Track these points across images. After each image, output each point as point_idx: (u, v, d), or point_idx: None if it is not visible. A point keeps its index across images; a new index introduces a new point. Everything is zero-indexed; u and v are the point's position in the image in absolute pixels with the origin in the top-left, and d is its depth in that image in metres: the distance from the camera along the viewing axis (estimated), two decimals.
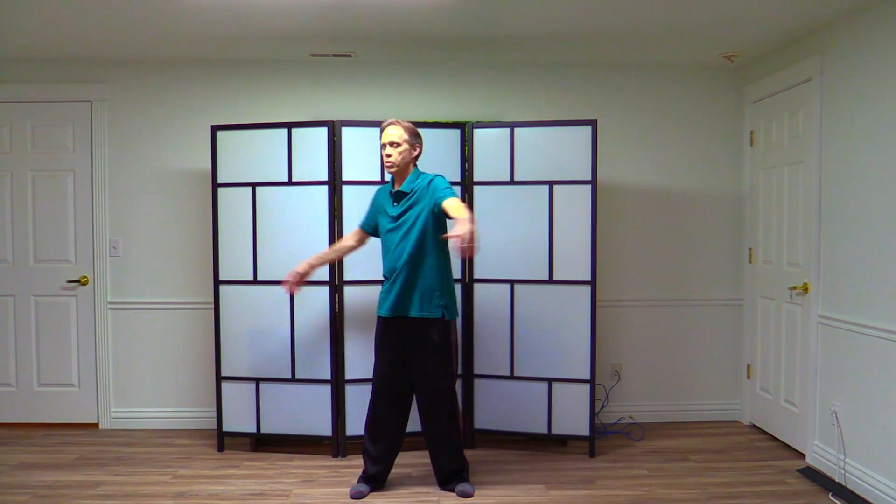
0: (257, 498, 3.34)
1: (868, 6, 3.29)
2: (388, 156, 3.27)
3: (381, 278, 3.41)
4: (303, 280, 3.47)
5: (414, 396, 3.41)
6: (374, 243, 3.55)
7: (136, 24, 3.66)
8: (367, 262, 3.78)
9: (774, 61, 4.15)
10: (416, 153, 3.33)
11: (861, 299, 3.36)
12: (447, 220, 3.28)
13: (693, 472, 3.67)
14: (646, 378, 4.58)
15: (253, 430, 3.97)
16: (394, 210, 3.29)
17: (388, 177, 3.64)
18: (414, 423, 3.59)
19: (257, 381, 3.95)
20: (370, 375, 3.61)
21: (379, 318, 3.37)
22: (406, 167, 3.31)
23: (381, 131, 3.33)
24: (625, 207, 4.53)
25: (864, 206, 3.33)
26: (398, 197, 3.30)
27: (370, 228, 3.49)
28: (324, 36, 3.88)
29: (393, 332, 3.31)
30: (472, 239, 2.79)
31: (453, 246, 2.82)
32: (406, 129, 3.30)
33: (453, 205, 3.09)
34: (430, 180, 3.27)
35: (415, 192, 3.27)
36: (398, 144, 3.26)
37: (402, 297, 3.26)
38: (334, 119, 3.94)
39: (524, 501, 3.30)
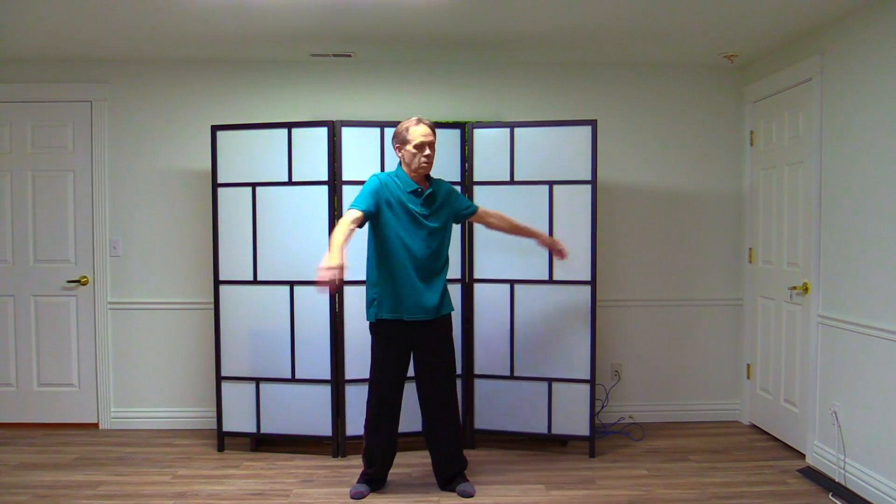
0: (257, 498, 3.34)
1: (868, 6, 3.29)
2: (429, 156, 3.21)
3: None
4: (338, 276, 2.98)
5: (418, 396, 3.40)
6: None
7: (136, 24, 3.66)
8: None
9: (774, 61, 4.15)
10: None
11: (861, 299, 3.36)
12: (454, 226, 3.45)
13: (693, 472, 3.67)
14: (646, 378, 4.58)
15: (253, 430, 3.97)
16: (423, 209, 3.24)
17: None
18: (414, 424, 3.59)
19: (257, 381, 3.95)
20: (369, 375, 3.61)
21: (389, 320, 3.25)
22: None
23: (412, 128, 3.20)
24: (625, 207, 4.53)
25: (864, 206, 3.33)
26: (427, 199, 3.25)
27: (370, 216, 3.19)
28: (324, 36, 3.88)
29: (404, 332, 3.27)
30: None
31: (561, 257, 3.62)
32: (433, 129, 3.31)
33: (499, 213, 3.55)
34: (448, 188, 3.40)
35: (441, 196, 3.32)
36: (434, 145, 3.26)
37: (432, 297, 3.25)
38: (334, 119, 3.94)
39: (524, 501, 3.30)
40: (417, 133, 3.20)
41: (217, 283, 3.96)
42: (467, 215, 3.46)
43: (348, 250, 3.79)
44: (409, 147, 3.21)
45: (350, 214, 3.13)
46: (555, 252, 3.64)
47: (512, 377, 3.97)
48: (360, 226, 3.16)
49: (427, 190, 3.27)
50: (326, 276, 2.87)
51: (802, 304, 3.85)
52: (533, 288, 3.92)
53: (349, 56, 4.29)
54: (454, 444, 3.39)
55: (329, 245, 3.04)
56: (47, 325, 4.43)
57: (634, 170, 4.53)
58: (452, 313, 3.44)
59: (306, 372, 3.89)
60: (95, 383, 4.44)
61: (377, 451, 3.37)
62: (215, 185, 3.94)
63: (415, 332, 3.28)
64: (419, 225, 3.23)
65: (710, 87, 4.54)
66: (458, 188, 3.92)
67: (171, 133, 4.42)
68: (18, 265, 4.43)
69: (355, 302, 3.83)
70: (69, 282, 4.42)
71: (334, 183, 3.84)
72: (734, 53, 4.20)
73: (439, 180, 3.39)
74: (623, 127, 4.50)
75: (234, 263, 3.94)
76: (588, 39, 3.95)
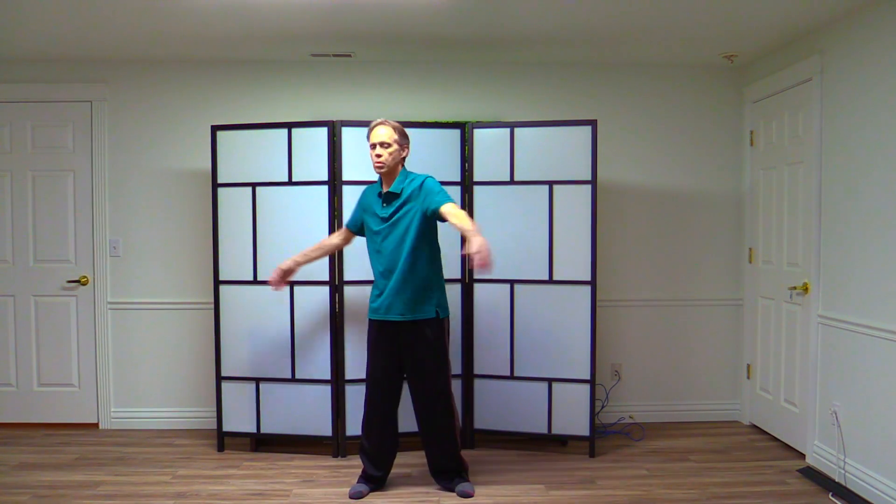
0: (257, 498, 3.34)
1: (868, 6, 3.29)
2: (379, 156, 3.24)
3: None
4: (287, 278, 3.53)
5: (410, 397, 3.41)
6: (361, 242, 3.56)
7: (136, 24, 3.66)
8: (367, 261, 3.77)
9: (774, 61, 4.15)
10: (404, 154, 3.31)
11: (861, 299, 3.35)
12: (438, 223, 3.29)
13: (693, 472, 3.67)
14: (646, 378, 4.58)
15: (253, 430, 3.97)
16: (383, 211, 3.27)
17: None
18: (414, 424, 3.59)
19: (257, 381, 3.95)
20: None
21: (372, 320, 3.36)
22: (395, 168, 3.29)
23: (370, 131, 3.29)
24: (625, 207, 4.53)
25: (865, 206, 3.33)
26: (388, 198, 3.27)
27: (356, 228, 3.48)
28: (324, 36, 3.88)
29: (387, 333, 3.30)
30: (488, 253, 2.85)
31: (475, 262, 2.83)
32: (395, 129, 3.27)
33: (456, 212, 3.09)
34: (422, 181, 3.25)
35: (405, 194, 3.24)
36: (388, 145, 3.23)
37: (397, 298, 3.25)
38: (334, 119, 3.94)
39: (524, 501, 3.30)
40: (372, 135, 3.28)
41: (217, 283, 3.96)
42: (432, 213, 3.18)
43: (349, 250, 3.82)
44: (371, 149, 3.30)
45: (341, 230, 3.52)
46: (474, 258, 2.88)
47: (512, 377, 3.97)
48: (354, 235, 3.55)
49: (388, 189, 3.28)
50: (273, 277, 3.44)
51: (802, 304, 3.85)
52: (533, 288, 3.92)
53: (349, 56, 4.29)
54: (446, 447, 3.38)
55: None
56: (47, 325, 4.43)
57: (634, 170, 4.53)
58: (440, 317, 3.32)
59: (306, 372, 3.89)
60: (95, 383, 4.44)
61: (376, 450, 3.38)
62: (215, 185, 3.94)
63: (398, 332, 3.29)
64: (386, 226, 3.26)
65: (710, 87, 4.54)
66: (457, 189, 3.93)
67: (171, 133, 4.42)
68: (18, 265, 4.43)
69: (355, 302, 3.83)
70: (69, 282, 4.42)
71: (334, 183, 3.84)
72: (734, 53, 4.20)
73: (414, 177, 3.30)
74: (623, 127, 4.50)
75: (234, 263, 3.94)
76: (588, 39, 3.95)
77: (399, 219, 3.24)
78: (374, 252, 3.34)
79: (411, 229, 3.23)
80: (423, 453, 3.55)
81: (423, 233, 3.24)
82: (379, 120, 3.30)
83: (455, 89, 4.47)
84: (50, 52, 4.19)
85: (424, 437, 3.40)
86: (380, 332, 3.33)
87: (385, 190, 3.30)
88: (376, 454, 3.39)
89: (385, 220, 3.27)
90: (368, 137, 3.30)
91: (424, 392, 3.33)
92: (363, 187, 3.79)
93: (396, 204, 3.25)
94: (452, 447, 3.39)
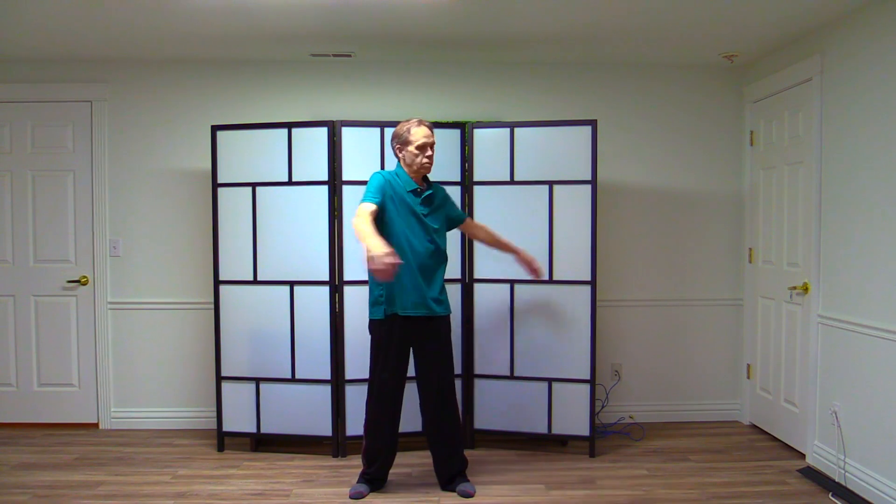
0: (257, 498, 3.34)
1: (868, 6, 3.29)
2: (430, 157, 3.28)
3: None
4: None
5: (419, 395, 3.40)
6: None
7: (136, 24, 3.66)
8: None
9: (774, 61, 4.15)
10: None
11: (861, 299, 3.36)
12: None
13: (693, 472, 3.67)
14: (646, 378, 4.58)
15: (253, 430, 3.97)
16: (422, 209, 3.27)
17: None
18: (414, 424, 3.59)
19: (257, 381, 3.95)
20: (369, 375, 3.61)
21: (391, 316, 3.25)
22: None
23: (418, 128, 3.24)
24: (625, 207, 4.53)
25: (864, 207, 3.33)
26: (427, 199, 3.30)
27: (380, 210, 3.19)
28: (324, 36, 3.88)
29: (405, 331, 3.27)
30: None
31: (532, 272, 3.59)
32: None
33: (485, 226, 3.66)
34: (445, 192, 3.47)
35: (437, 198, 3.38)
36: (434, 146, 3.32)
37: (426, 295, 3.26)
38: (334, 119, 3.94)
39: (524, 501, 3.30)
40: (419, 134, 3.25)
41: (217, 283, 3.96)
42: (457, 223, 3.54)
43: (349, 251, 3.82)
44: (411, 148, 3.25)
45: (366, 207, 3.13)
46: (531, 270, 3.61)
47: (512, 377, 3.97)
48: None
49: (426, 191, 3.32)
50: (389, 259, 2.81)
51: (802, 304, 3.85)
52: (533, 288, 3.92)
53: (349, 56, 4.29)
54: (455, 442, 3.40)
55: (361, 237, 2.95)
56: (47, 325, 4.43)
57: (634, 170, 4.53)
58: (451, 314, 3.45)
59: (306, 372, 3.89)
60: (95, 383, 4.44)
61: (379, 451, 3.37)
62: (215, 185, 3.94)
63: (416, 329, 3.28)
64: (421, 223, 3.27)
65: (710, 87, 4.54)
66: (457, 189, 3.94)
67: (171, 133, 4.42)
68: (18, 265, 4.43)
69: (355, 302, 3.83)
70: (69, 282, 4.41)
71: (334, 183, 3.84)
72: (734, 53, 4.20)
73: (435, 183, 3.45)
74: (623, 127, 4.50)
75: (234, 263, 3.94)
76: (588, 39, 3.95)
77: (435, 219, 3.34)
78: (404, 246, 3.19)
79: (442, 232, 3.37)
80: (422, 453, 3.56)
81: (444, 236, 3.41)
82: (418, 119, 3.32)
83: (455, 89, 4.47)
84: (50, 52, 4.19)
85: (437, 437, 3.37)
86: (399, 331, 3.26)
87: (423, 189, 3.30)
88: (380, 456, 3.38)
89: (424, 216, 3.28)
90: (416, 136, 3.22)
91: (440, 390, 3.33)
92: (363, 187, 3.78)
93: (434, 205, 3.34)
94: (460, 443, 3.42)
